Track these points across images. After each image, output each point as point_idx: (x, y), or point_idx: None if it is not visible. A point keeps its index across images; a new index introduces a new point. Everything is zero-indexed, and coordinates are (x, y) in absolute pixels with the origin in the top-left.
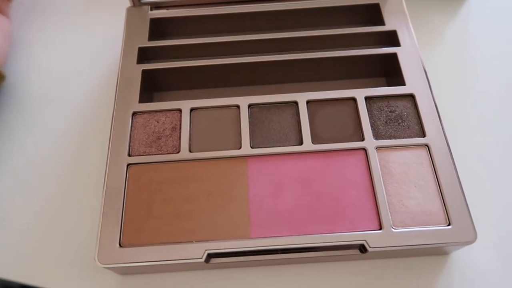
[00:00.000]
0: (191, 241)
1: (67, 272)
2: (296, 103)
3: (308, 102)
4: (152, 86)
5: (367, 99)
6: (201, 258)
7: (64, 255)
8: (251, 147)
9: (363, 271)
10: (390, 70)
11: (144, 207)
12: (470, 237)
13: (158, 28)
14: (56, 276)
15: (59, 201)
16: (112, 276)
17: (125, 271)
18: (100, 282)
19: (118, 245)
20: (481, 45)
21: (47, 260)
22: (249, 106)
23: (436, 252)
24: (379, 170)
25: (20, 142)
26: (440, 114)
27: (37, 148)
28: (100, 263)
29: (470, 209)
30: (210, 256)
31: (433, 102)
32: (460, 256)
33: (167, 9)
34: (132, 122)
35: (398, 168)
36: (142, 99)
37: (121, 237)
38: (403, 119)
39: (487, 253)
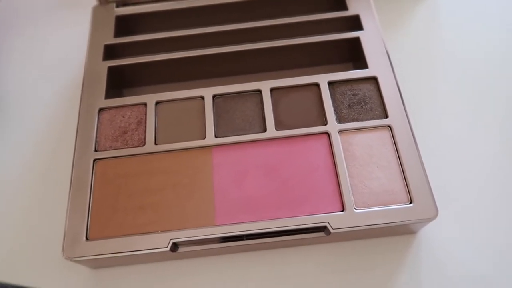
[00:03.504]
0: (157, 231)
1: (38, 268)
2: (260, 91)
3: (271, 90)
4: (121, 83)
5: (330, 84)
6: (167, 247)
7: (35, 251)
8: (216, 137)
9: (330, 254)
10: (355, 55)
11: (110, 201)
12: (431, 213)
13: (124, 25)
14: (27, 272)
15: (27, 198)
16: (83, 270)
17: (95, 265)
18: (71, 276)
19: (84, 238)
20: (446, 29)
21: (18, 257)
22: (214, 96)
23: (402, 231)
24: (342, 153)
25: None
26: (403, 96)
27: (4, 146)
28: (67, 256)
29: (432, 188)
30: (175, 245)
31: (395, 84)
32: (427, 235)
33: (134, 6)
34: (98, 118)
35: (361, 150)
36: (109, 96)
37: (88, 231)
38: (366, 102)
39: (452, 230)
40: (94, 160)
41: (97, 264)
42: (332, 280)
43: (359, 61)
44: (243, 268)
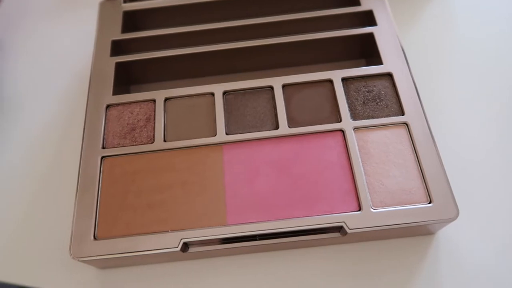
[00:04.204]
0: (167, 231)
1: (44, 268)
2: (271, 87)
3: (283, 86)
4: (128, 79)
5: (344, 80)
6: (177, 247)
7: (41, 251)
8: (226, 134)
9: (346, 255)
10: (368, 51)
11: (119, 199)
12: (451, 213)
13: (131, 21)
14: (33, 272)
15: (34, 197)
16: (91, 270)
17: (103, 265)
18: (79, 276)
19: (92, 237)
20: (460, 25)
21: (24, 257)
22: (224, 93)
23: (420, 232)
24: (357, 150)
25: None
26: (419, 93)
27: (12, 144)
28: (74, 256)
29: (452, 187)
30: (186, 245)
31: (411, 81)
32: (445, 236)
33: (141, 1)
34: (106, 114)
35: (377, 147)
36: (117, 92)
37: (96, 230)
38: (381, 99)
39: (472, 231)
40: (102, 157)
41: (105, 264)
42: (348, 282)
43: (373, 57)
44: (255, 269)
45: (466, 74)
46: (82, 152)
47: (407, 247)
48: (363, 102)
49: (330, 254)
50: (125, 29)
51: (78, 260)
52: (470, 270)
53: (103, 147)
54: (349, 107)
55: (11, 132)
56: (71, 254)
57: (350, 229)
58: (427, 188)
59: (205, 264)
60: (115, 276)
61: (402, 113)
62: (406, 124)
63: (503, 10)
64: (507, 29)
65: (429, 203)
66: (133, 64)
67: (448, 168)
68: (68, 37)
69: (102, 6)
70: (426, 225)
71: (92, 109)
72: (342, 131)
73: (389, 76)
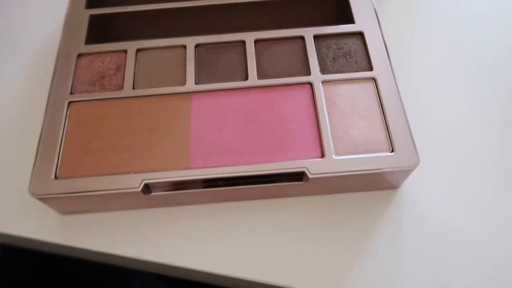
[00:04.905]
0: (129, 172)
1: (5, 212)
2: (243, 42)
3: (256, 41)
4: (103, 35)
5: (316, 37)
6: (138, 187)
7: (2, 195)
8: (196, 84)
9: (309, 206)
10: (342, 16)
11: (83, 142)
12: (412, 162)
13: None
14: None
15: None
16: (52, 214)
17: (64, 208)
18: (40, 221)
19: (53, 177)
20: None
21: None
22: (196, 46)
23: (383, 185)
24: (324, 102)
25: None
26: (389, 52)
27: None
28: (33, 194)
29: (415, 140)
30: (147, 187)
31: (382, 39)
32: (408, 190)
33: None
34: (76, 63)
35: (344, 100)
36: (90, 44)
37: (57, 170)
38: (351, 56)
39: (433, 185)
40: (69, 102)
41: (66, 207)
42: (310, 233)
43: (346, 18)
44: (218, 218)
45: (435, 36)
46: (49, 97)
47: (370, 200)
48: (333, 58)
49: (293, 205)
50: None
51: (36, 198)
52: (431, 224)
53: (71, 93)
54: (319, 62)
55: None
56: (29, 191)
57: (312, 174)
58: (390, 139)
59: (167, 212)
60: (76, 221)
61: (371, 69)
62: (373, 79)
63: None
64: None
65: (391, 152)
66: (107, 18)
67: (412, 122)
68: None
69: None
70: (387, 173)
71: (63, 57)
72: (310, 83)
73: (360, 35)
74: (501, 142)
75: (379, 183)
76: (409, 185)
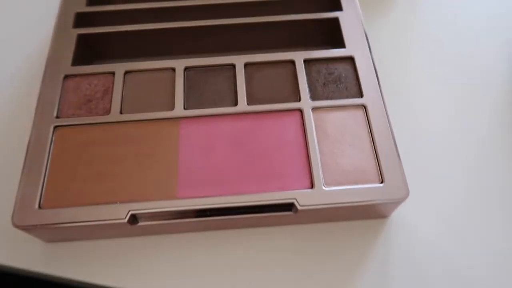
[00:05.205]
0: (115, 202)
1: None
2: (233, 65)
3: (245, 64)
4: (90, 55)
5: (306, 61)
6: (124, 218)
7: None
8: (184, 109)
9: (297, 236)
10: (333, 38)
11: (68, 169)
12: (402, 194)
13: None
14: None
15: None
16: (36, 243)
17: (48, 237)
18: (24, 249)
19: (37, 206)
20: (425, 15)
21: None
22: (185, 69)
23: (373, 214)
24: (314, 130)
25: None
26: (380, 78)
27: None
28: (16, 224)
29: (405, 169)
30: (134, 217)
31: (372, 65)
32: (398, 219)
33: None
34: (63, 84)
35: (333, 128)
36: (76, 65)
37: (42, 199)
38: (341, 81)
39: (423, 215)
40: (55, 127)
41: (50, 236)
42: (298, 262)
43: (337, 42)
44: (206, 247)
45: (425, 62)
46: (34, 121)
47: (359, 230)
48: (324, 84)
49: (281, 234)
50: (91, 2)
51: (19, 228)
52: (420, 254)
53: (57, 117)
54: (309, 87)
55: None
56: (12, 222)
57: (301, 205)
58: (380, 169)
59: (154, 241)
60: (61, 250)
61: (361, 96)
62: (364, 106)
63: (473, 4)
64: (474, 24)
65: (381, 183)
66: (95, 38)
67: (402, 151)
68: (32, 7)
69: None
70: (376, 204)
71: (49, 78)
72: (300, 110)
73: (350, 59)
74: (494, 172)
75: (368, 213)
76: (399, 214)
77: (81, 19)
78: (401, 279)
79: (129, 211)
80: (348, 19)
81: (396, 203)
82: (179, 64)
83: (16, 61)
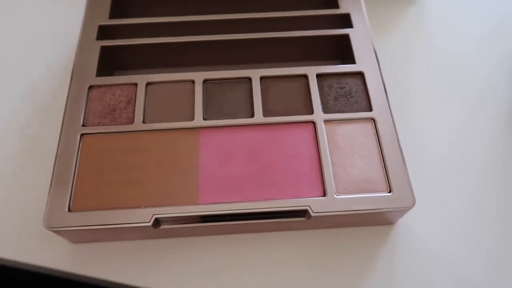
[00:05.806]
0: (140, 207)
1: (17, 239)
2: (249, 79)
3: (261, 78)
4: (113, 65)
5: (319, 76)
6: (149, 222)
7: (16, 223)
8: (204, 119)
9: (308, 240)
10: (344, 53)
11: (95, 175)
12: (408, 202)
13: (120, 7)
14: (6, 243)
15: (13, 170)
16: (64, 244)
17: (76, 238)
18: (52, 250)
19: (67, 209)
20: (433, 31)
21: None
22: (204, 81)
23: (380, 221)
24: (326, 141)
25: None
26: (388, 92)
27: None
28: (47, 226)
29: (411, 179)
30: (157, 221)
31: (381, 80)
32: (404, 226)
33: None
34: (88, 94)
35: (344, 139)
36: (100, 75)
37: (71, 202)
38: (352, 95)
39: (429, 222)
40: (82, 134)
41: (78, 237)
42: (309, 264)
43: (347, 57)
44: (224, 250)
45: (432, 76)
46: (63, 129)
47: (368, 235)
48: (335, 98)
49: (296, 239)
50: (113, 15)
51: (51, 230)
52: (426, 260)
53: (83, 125)
54: (321, 101)
55: None
56: (44, 224)
57: (314, 212)
58: (388, 179)
59: (176, 243)
60: (88, 250)
61: (370, 109)
62: (373, 119)
63: (478, 22)
64: (479, 41)
65: (389, 192)
66: (118, 49)
67: (409, 162)
68: (55, 18)
69: None
70: (385, 212)
71: (75, 89)
72: (313, 122)
73: (360, 75)
74: (499, 179)
75: (376, 220)
76: (405, 221)
77: (103, 32)
78: (406, 280)
79: (153, 215)
80: (358, 35)
81: (403, 211)
82: (199, 76)
83: (41, 71)
